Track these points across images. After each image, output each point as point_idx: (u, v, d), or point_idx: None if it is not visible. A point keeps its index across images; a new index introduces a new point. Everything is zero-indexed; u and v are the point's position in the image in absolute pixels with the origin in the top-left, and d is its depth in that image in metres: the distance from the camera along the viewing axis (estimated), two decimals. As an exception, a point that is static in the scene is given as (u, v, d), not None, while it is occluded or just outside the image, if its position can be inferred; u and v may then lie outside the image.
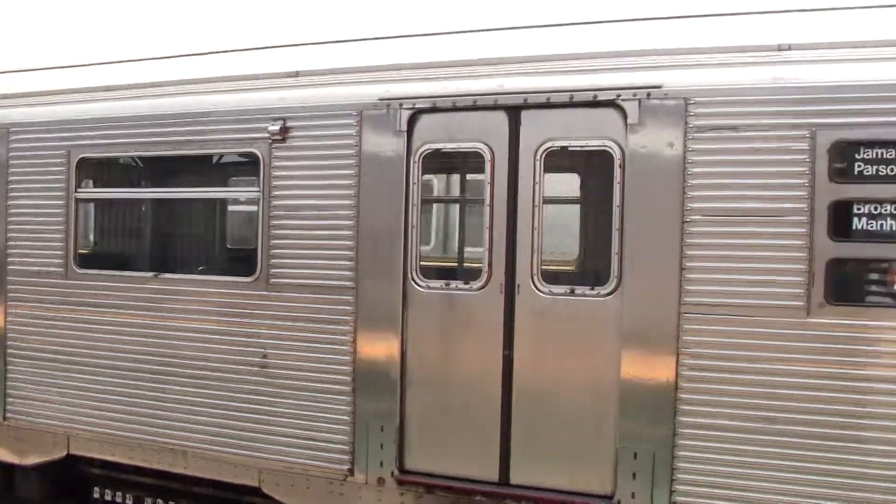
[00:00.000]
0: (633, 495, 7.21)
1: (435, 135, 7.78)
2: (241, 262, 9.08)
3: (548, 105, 7.41)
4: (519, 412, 7.54)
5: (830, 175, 6.79)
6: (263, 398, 8.30)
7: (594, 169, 8.02)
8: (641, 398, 7.14)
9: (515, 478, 7.61)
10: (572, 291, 7.39)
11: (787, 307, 6.86)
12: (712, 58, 7.19)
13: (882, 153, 6.76)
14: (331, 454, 8.05)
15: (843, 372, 6.80)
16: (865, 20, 7.20)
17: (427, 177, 8.07)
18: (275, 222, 8.24)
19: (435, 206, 11.26)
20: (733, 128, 6.96)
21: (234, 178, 10.06)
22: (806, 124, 6.82)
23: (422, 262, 8.07)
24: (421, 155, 7.81)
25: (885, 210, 6.77)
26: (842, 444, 6.84)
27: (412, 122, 7.80)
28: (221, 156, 9.35)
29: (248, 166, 8.50)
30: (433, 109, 7.75)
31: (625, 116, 7.21)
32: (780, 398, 6.90)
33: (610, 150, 7.26)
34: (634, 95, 7.16)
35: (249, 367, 8.33)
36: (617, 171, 7.23)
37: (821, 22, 7.25)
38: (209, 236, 10.70)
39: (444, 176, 10.25)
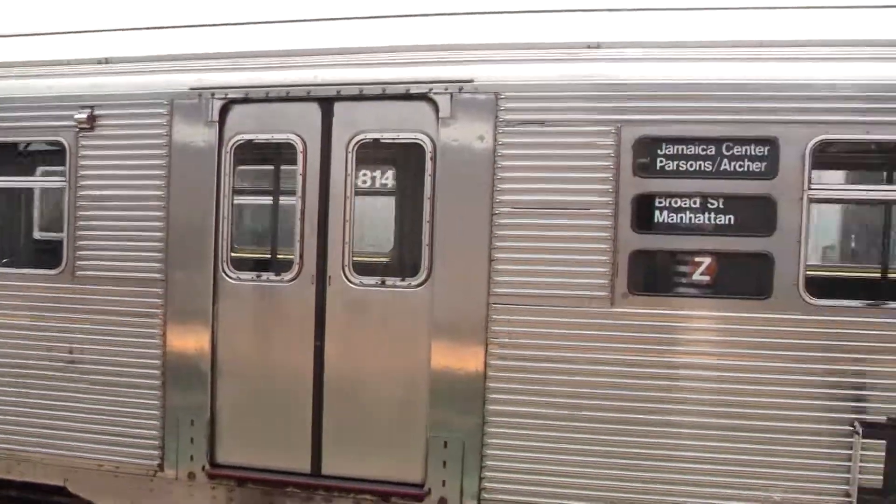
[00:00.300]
0: (443, 483, 7.27)
1: (247, 125, 7.68)
2: (48, 253, 8.72)
3: (361, 97, 7.41)
4: (331, 403, 7.52)
5: (634, 170, 7.01)
6: (70, 394, 8.03)
7: (408, 161, 8.03)
8: (451, 388, 7.22)
9: (328, 468, 7.59)
10: (383, 283, 7.40)
11: (592, 297, 7.05)
12: (524, 53, 7.31)
13: (682, 149, 7.02)
14: (140, 450, 7.85)
15: (646, 360, 7.07)
16: (671, 21, 7.41)
17: (240, 168, 7.89)
18: (81, 213, 7.98)
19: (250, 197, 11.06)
20: (542, 122, 7.10)
21: (41, 167, 9.66)
22: (612, 120, 7.01)
23: (236, 254, 7.90)
24: (233, 146, 7.69)
25: (685, 204, 7.00)
26: (647, 428, 7.11)
27: (224, 112, 7.67)
28: (28, 144, 8.94)
29: (56, 155, 8.16)
30: (246, 100, 7.65)
31: (437, 110, 7.27)
32: (587, 386, 7.11)
33: (422, 143, 7.31)
34: (446, 89, 7.22)
35: (55, 363, 8.03)
36: (428, 164, 7.28)
37: (629, 22, 7.44)
38: (14, 227, 10.25)
39: (257, 167, 10.10)
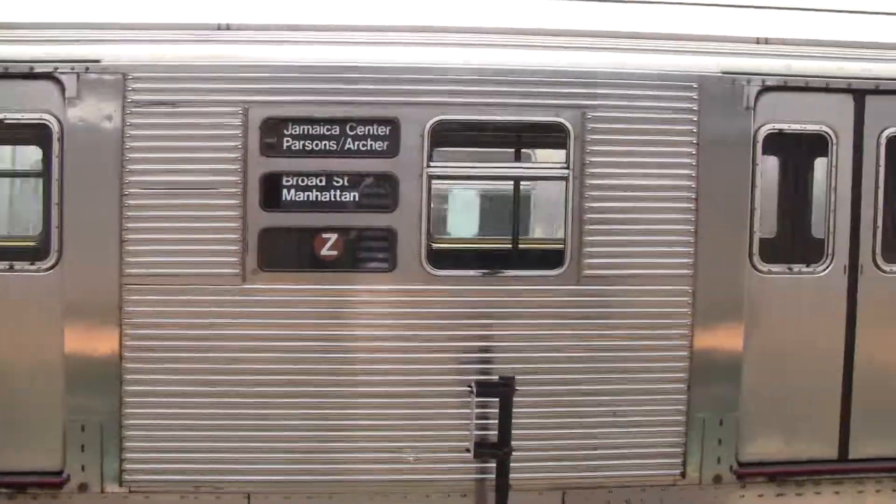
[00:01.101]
0: (82, 468, 7.22)
1: None
2: None
3: None
4: None
5: (262, 149, 7.16)
6: None
7: (42, 142, 7.86)
8: (86, 371, 7.19)
9: None
10: (11, 267, 7.20)
11: (223, 275, 7.19)
12: (153, 34, 7.31)
13: (308, 129, 7.24)
14: None
15: (279, 333, 7.28)
16: (299, 4, 7.62)
17: None
18: None
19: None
20: (171, 103, 7.13)
21: None
22: (240, 101, 7.16)
23: None
24: None
25: (312, 182, 7.22)
26: (285, 400, 7.37)
27: None
28: None
29: None
30: None
31: (63, 90, 7.12)
32: (223, 362, 7.25)
33: (48, 124, 7.16)
34: (73, 69, 7.13)
35: None
36: (56, 145, 7.16)
37: (259, 4, 7.56)
38: None
39: None
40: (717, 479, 7.65)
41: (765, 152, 7.95)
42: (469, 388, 7.16)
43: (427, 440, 7.39)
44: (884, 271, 7.83)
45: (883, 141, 7.82)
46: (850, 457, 7.94)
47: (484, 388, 7.14)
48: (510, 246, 9.84)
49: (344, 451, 7.38)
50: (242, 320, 7.19)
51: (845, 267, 7.79)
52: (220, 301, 7.19)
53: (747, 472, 7.73)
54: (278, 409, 7.26)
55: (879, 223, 7.82)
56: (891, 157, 7.84)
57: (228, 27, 7.31)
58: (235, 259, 7.13)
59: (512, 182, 9.77)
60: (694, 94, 7.46)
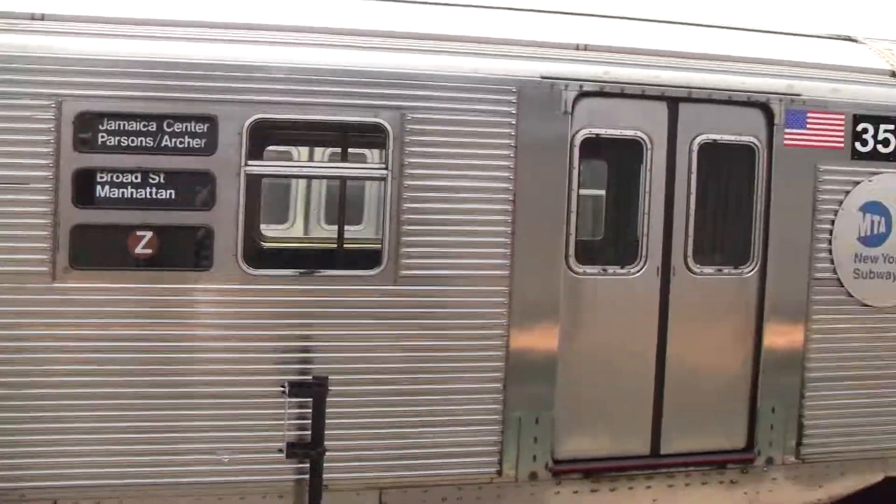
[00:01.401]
0: None
1: None
2: None
3: None
4: None
5: (75, 144, 6.99)
6: None
7: None
8: None
9: None
10: None
11: (32, 273, 6.99)
12: None
13: (124, 125, 7.08)
14: None
15: (91, 333, 7.11)
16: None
17: None
18: None
19: None
20: None
21: None
22: (52, 94, 6.96)
23: None
24: None
25: (127, 179, 7.09)
26: (97, 402, 7.21)
27: None
28: None
29: None
30: None
31: None
32: (30, 363, 7.04)
33: None
34: None
35: None
36: None
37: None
38: None
39: None
40: (533, 477, 7.80)
41: (591, 156, 8.07)
42: (282, 389, 7.08)
43: (243, 441, 7.33)
44: (695, 273, 8.03)
45: (695, 147, 8.01)
46: (662, 452, 8.08)
47: (297, 389, 7.08)
48: (335, 245, 9.82)
49: (157, 453, 7.26)
50: (52, 320, 7.01)
51: (658, 269, 7.94)
52: (28, 300, 6.99)
53: (562, 469, 7.89)
54: (88, 412, 7.09)
55: (691, 227, 7.96)
56: (702, 163, 8.01)
57: (43, 17, 7.10)
58: (45, 256, 6.96)
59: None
60: (513, 98, 7.58)
